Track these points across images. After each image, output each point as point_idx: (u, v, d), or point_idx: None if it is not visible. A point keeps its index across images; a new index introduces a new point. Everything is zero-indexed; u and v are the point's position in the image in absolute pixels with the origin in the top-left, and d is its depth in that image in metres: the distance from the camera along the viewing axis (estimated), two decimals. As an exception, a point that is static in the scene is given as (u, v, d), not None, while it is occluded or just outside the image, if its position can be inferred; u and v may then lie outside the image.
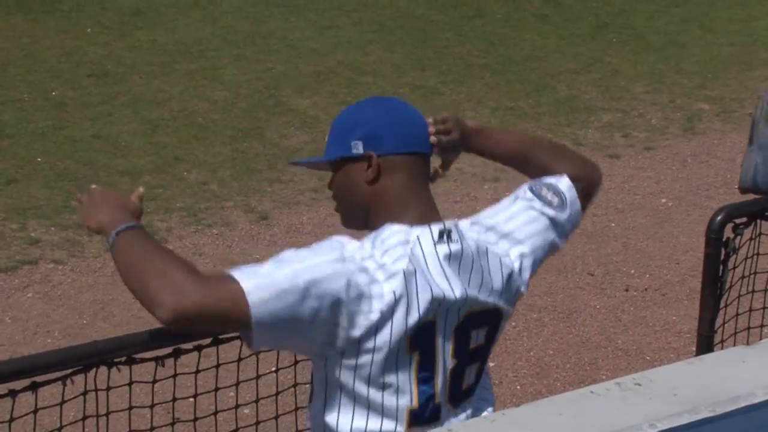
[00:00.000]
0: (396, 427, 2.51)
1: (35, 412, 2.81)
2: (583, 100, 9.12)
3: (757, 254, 3.68)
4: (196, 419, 3.14)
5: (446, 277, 2.48)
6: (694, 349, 3.72)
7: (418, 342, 2.47)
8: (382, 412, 2.51)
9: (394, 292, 2.41)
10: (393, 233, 2.48)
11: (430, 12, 11.09)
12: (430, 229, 2.48)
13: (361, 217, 2.59)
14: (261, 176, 7.42)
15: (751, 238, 3.60)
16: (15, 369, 2.76)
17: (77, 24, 10.35)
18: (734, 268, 3.60)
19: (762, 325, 3.79)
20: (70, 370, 2.75)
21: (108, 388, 2.86)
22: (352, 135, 2.55)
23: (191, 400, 3.15)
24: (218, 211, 7.02)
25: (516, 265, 2.65)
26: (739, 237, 3.54)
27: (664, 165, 7.98)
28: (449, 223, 2.51)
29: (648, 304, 6.15)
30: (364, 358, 2.46)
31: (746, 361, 1.96)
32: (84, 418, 2.93)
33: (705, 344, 3.58)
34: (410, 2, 11.32)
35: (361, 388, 2.49)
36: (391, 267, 2.43)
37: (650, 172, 7.87)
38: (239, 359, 2.99)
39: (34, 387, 2.69)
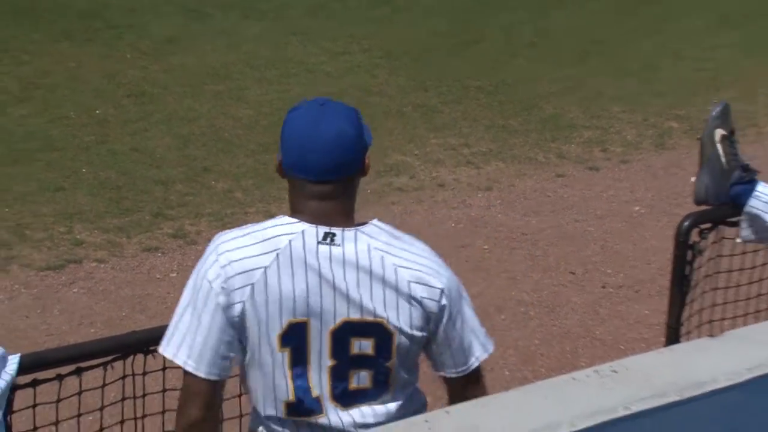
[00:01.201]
0: (277, 413, 2.48)
1: (79, 394, 2.82)
2: (566, 118, 9.12)
3: (719, 256, 3.67)
4: (222, 399, 3.14)
5: (320, 278, 2.39)
6: (664, 339, 3.71)
7: (290, 339, 2.41)
8: (265, 401, 2.49)
9: (256, 288, 2.38)
10: (278, 225, 2.43)
11: (432, 39, 11.09)
12: (317, 229, 2.41)
13: None
14: (280, 185, 7.25)
15: (714, 242, 3.60)
16: (63, 356, 2.78)
17: (117, 50, 10.38)
18: (699, 268, 3.59)
19: (723, 319, 3.78)
20: (110, 357, 2.77)
21: (144, 373, 2.86)
22: (281, 134, 2.51)
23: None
24: (242, 216, 7.02)
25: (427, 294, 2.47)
26: (704, 241, 3.54)
27: (638, 176, 7.98)
28: (337, 229, 2.41)
29: (623, 299, 6.15)
30: (247, 354, 2.46)
31: (710, 350, 1.95)
32: (123, 399, 2.94)
33: (673, 335, 3.58)
34: (414, 31, 11.32)
35: (248, 380, 2.51)
36: (254, 263, 2.38)
37: (626, 182, 7.87)
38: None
39: (78, 372, 2.70)
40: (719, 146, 3.47)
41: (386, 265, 2.42)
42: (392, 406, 2.53)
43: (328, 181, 2.44)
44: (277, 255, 2.38)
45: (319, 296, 2.39)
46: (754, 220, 3.43)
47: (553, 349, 5.61)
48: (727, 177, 3.46)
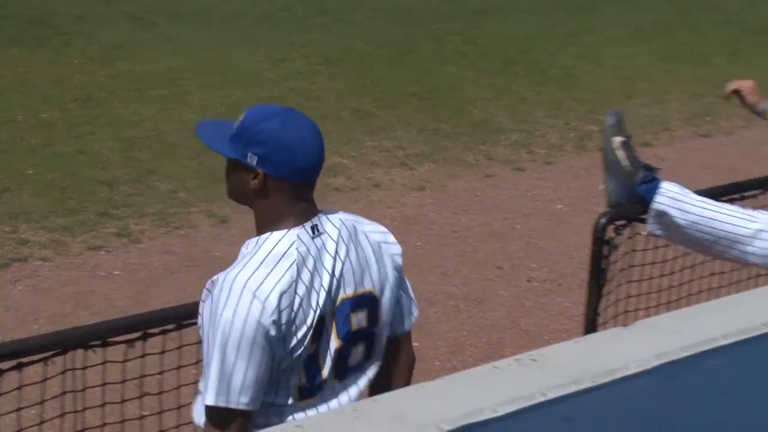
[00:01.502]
0: (288, 401, 2.45)
1: (20, 388, 2.76)
2: (494, 122, 9.16)
3: (634, 251, 3.71)
4: (162, 392, 3.10)
5: (324, 269, 2.41)
6: (583, 330, 3.74)
7: (317, 335, 2.41)
8: (276, 391, 2.44)
9: (296, 304, 2.37)
10: (278, 241, 2.40)
11: (368, 48, 11.08)
12: (304, 228, 2.41)
13: (246, 203, 2.52)
14: (222, 186, 7.30)
15: (628, 238, 3.64)
16: (4, 351, 2.72)
17: (66, 56, 10.22)
18: (615, 262, 3.63)
19: (637, 309, 3.83)
20: (51, 353, 2.71)
21: (84, 368, 2.81)
22: (251, 146, 2.41)
23: (158, 376, 3.10)
24: (185, 216, 6.95)
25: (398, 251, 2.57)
26: (618, 237, 3.58)
27: (561, 176, 8.04)
28: (315, 219, 2.43)
29: (546, 292, 6.19)
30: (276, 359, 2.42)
31: (622, 339, 1.96)
32: (63, 393, 2.88)
33: (591, 326, 3.62)
34: (351, 39, 11.31)
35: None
36: (285, 283, 2.35)
37: (549, 182, 7.93)
38: (200, 341, 2.95)
39: (19, 366, 2.64)
40: (618, 152, 3.50)
41: (359, 233, 2.50)
42: (372, 371, 2.58)
43: (315, 180, 2.49)
44: (297, 266, 2.37)
45: (327, 285, 2.41)
46: (662, 216, 3.46)
47: (481, 340, 5.62)
48: (632, 178, 3.49)
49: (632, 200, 3.52)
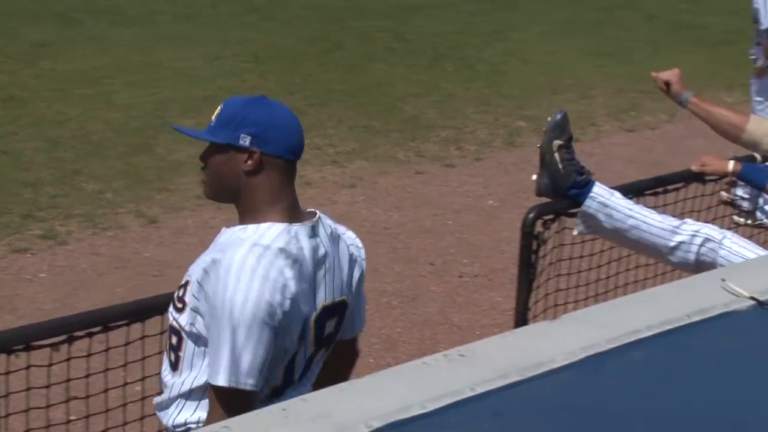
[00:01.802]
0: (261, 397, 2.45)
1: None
2: (424, 119, 9.19)
3: (562, 245, 3.75)
4: (88, 396, 3.05)
5: (315, 272, 2.43)
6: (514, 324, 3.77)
7: (304, 336, 2.44)
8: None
9: (297, 297, 2.39)
10: (278, 234, 2.41)
11: (297, 45, 11.05)
12: (303, 226, 2.43)
13: (228, 197, 2.53)
14: (150, 186, 7.27)
15: (556, 232, 3.68)
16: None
17: (-13, 55, 10.02)
18: (544, 256, 3.66)
19: (566, 303, 3.86)
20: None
21: (8, 372, 2.75)
22: (242, 128, 2.45)
23: (85, 380, 3.05)
24: (113, 217, 6.86)
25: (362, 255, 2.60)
26: (547, 231, 3.61)
27: (491, 172, 8.09)
28: (315, 219, 2.47)
29: (478, 287, 6.22)
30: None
31: (549, 333, 1.98)
32: (-14, 399, 2.82)
33: (521, 320, 3.65)
34: (280, 38, 11.27)
35: None
36: (291, 273, 2.37)
37: (480, 178, 7.97)
38: (126, 343, 2.91)
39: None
40: (557, 155, 3.55)
41: (340, 240, 2.53)
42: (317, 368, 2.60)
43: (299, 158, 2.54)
44: (292, 262, 2.38)
45: (314, 289, 2.43)
46: (590, 218, 3.52)
47: (414, 336, 5.64)
48: (565, 181, 3.54)
49: (559, 196, 3.57)
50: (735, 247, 3.48)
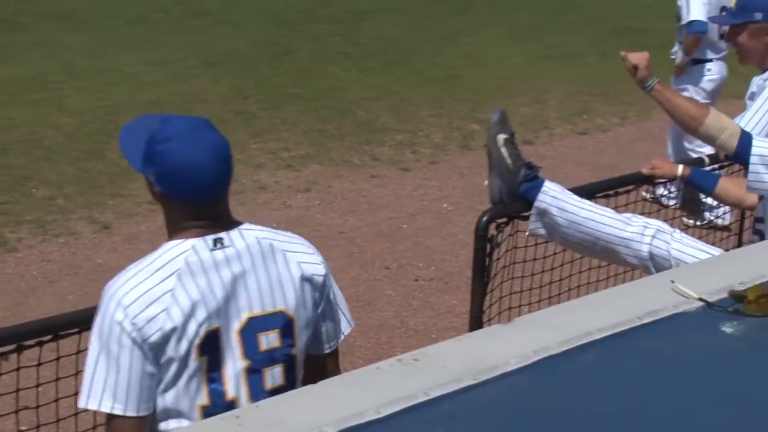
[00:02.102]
0: (190, 419, 2.40)
1: None
2: (379, 123, 9.20)
3: (515, 248, 3.76)
4: (38, 406, 3.01)
5: (221, 283, 2.37)
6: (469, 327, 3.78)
7: (206, 348, 2.36)
8: (179, 411, 2.40)
9: (172, 312, 2.33)
10: (167, 250, 2.39)
11: (250, 49, 11.02)
12: (205, 239, 2.38)
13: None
14: (103, 191, 7.20)
15: (510, 235, 3.69)
16: None
17: (-68, 61, 9.89)
18: (497, 259, 3.67)
19: (520, 305, 3.88)
20: None
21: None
22: (150, 164, 2.42)
23: (35, 389, 3.01)
24: (64, 223, 6.79)
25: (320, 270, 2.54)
26: (500, 234, 3.63)
27: (446, 176, 8.12)
28: (223, 233, 2.40)
29: (434, 291, 6.24)
30: (163, 372, 2.37)
31: (502, 336, 1.99)
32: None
33: (476, 323, 3.65)
34: (232, 42, 11.23)
35: (162, 396, 2.40)
36: (158, 292, 2.33)
37: (435, 182, 8.00)
38: (78, 352, 2.87)
39: None
40: (503, 149, 3.56)
41: (276, 251, 2.45)
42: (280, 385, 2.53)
43: (214, 198, 2.43)
44: (179, 275, 2.34)
45: (224, 300, 2.37)
46: (544, 213, 3.53)
47: (371, 341, 5.63)
48: (515, 175, 3.55)
49: (514, 197, 3.58)
50: (685, 239, 3.53)
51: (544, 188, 3.52)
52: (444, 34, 12.12)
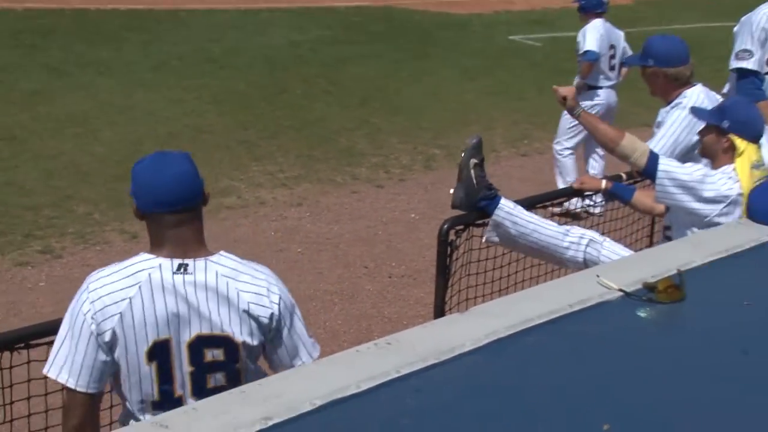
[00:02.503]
0: (144, 415, 2.38)
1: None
2: (357, 149, 9.19)
3: (471, 250, 3.77)
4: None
5: (176, 302, 2.31)
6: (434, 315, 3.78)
7: (155, 355, 2.33)
8: (133, 402, 2.39)
9: (125, 316, 2.30)
10: (139, 261, 2.37)
11: (249, 89, 10.98)
12: (172, 261, 2.34)
13: None
14: (131, 208, 7.15)
15: (467, 239, 3.69)
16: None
17: (-9, 101, 9.80)
18: (456, 259, 3.68)
19: (476, 297, 3.87)
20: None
21: (11, 367, 2.68)
22: (131, 183, 2.44)
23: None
24: (100, 234, 6.74)
25: (265, 303, 2.41)
26: (458, 239, 3.63)
27: (413, 191, 8.12)
28: (190, 260, 2.34)
29: (405, 286, 6.23)
30: (119, 365, 2.35)
31: (459, 323, 1.99)
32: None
33: (439, 312, 3.65)
34: (235, 82, 11.19)
35: (121, 387, 2.40)
36: (119, 296, 2.31)
37: (404, 196, 7.99)
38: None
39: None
40: (472, 171, 3.58)
41: (230, 289, 2.36)
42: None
43: (181, 210, 2.38)
44: (140, 287, 2.31)
45: (177, 317, 2.32)
46: (499, 226, 3.55)
47: (353, 327, 5.62)
48: (477, 193, 3.57)
49: (471, 209, 3.59)
50: (612, 247, 3.56)
51: (500, 205, 3.54)
52: (409, 75, 12.12)
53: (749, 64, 4.67)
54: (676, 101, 4.19)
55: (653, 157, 3.56)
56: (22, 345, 2.64)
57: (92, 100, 10.06)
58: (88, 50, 12.27)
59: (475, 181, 3.56)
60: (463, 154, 3.58)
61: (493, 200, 3.56)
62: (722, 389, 1.77)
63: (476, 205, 3.56)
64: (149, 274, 2.32)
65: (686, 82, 4.20)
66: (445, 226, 3.63)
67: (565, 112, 7.81)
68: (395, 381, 1.72)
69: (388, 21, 15.92)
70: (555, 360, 1.87)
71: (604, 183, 4.01)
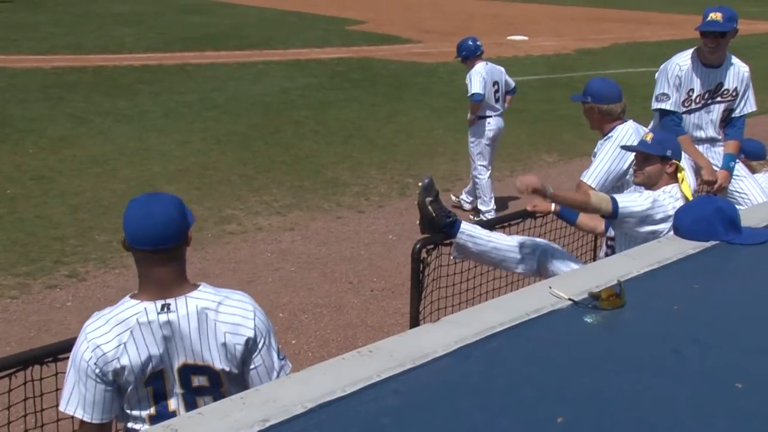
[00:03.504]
0: (143, 426, 2.36)
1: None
2: (342, 179, 9.17)
3: (440, 266, 3.76)
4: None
5: (164, 339, 2.28)
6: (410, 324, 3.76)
7: (151, 381, 2.31)
8: (134, 418, 2.36)
9: (122, 359, 2.27)
10: (126, 308, 2.30)
11: (248, 130, 10.96)
12: (155, 303, 2.29)
13: None
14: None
15: (437, 257, 3.69)
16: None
17: (23, 147, 9.68)
18: (428, 275, 3.67)
19: (446, 307, 3.86)
20: (13, 369, 2.53)
21: (41, 378, 2.62)
22: (124, 218, 2.35)
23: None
24: (119, 258, 6.65)
25: (238, 339, 2.33)
26: (430, 256, 3.63)
27: (390, 215, 8.10)
28: (171, 299, 2.29)
29: (385, 298, 6.20)
30: (122, 389, 2.33)
31: (432, 332, 1.98)
32: (25, 399, 2.68)
33: (414, 321, 3.63)
34: (235, 125, 11.16)
35: (124, 405, 2.36)
36: (115, 343, 2.27)
37: (383, 220, 7.98)
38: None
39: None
40: (429, 207, 3.59)
41: (209, 321, 2.30)
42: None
43: (160, 250, 2.29)
44: (131, 332, 2.27)
45: (166, 350, 2.28)
46: (462, 246, 3.56)
47: (340, 336, 5.58)
48: (439, 224, 3.57)
49: (436, 232, 3.60)
50: (558, 254, 3.58)
51: (461, 229, 3.55)
52: (386, 115, 12.15)
53: (668, 105, 4.74)
54: (608, 134, 4.22)
55: (614, 203, 3.55)
56: (51, 359, 2.58)
57: (111, 144, 10.00)
58: (107, 101, 12.23)
59: (434, 215, 3.59)
60: (419, 195, 3.60)
61: (454, 225, 3.57)
62: (658, 382, 1.77)
63: (441, 229, 3.58)
64: (137, 320, 2.27)
65: (617, 118, 4.23)
66: (418, 246, 3.62)
67: (470, 141, 8.30)
68: (376, 384, 1.70)
69: (367, 70, 15.99)
70: (515, 361, 1.86)
71: (553, 206, 4.01)
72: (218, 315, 2.33)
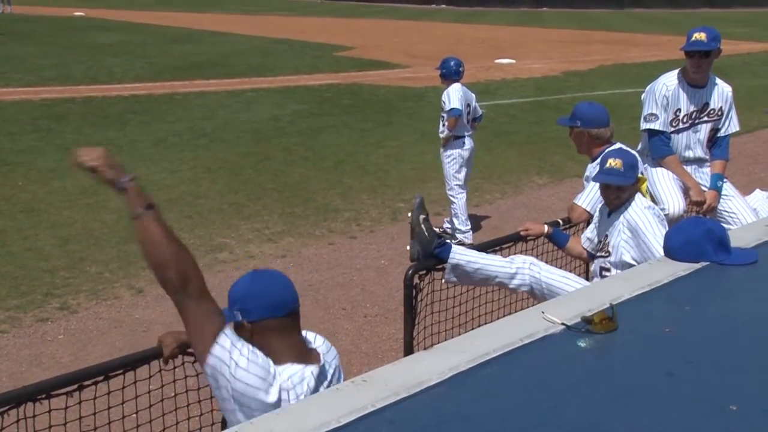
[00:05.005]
0: None
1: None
2: (333, 205, 9.19)
3: (434, 291, 3.76)
4: (96, 428, 2.90)
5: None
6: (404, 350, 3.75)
7: None
8: None
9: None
10: (294, 372, 2.24)
11: (238, 158, 10.97)
12: (314, 366, 2.29)
13: None
14: (137, 266, 7.03)
15: (429, 282, 3.69)
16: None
17: (12, 180, 9.67)
18: (421, 300, 3.67)
19: (440, 332, 3.86)
20: (6, 407, 2.50)
21: (34, 416, 2.60)
22: (234, 305, 2.31)
23: (93, 416, 2.90)
24: (110, 290, 6.63)
25: None
26: (422, 282, 3.63)
27: (382, 240, 8.11)
28: (321, 358, 2.34)
29: (378, 324, 6.18)
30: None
31: (426, 359, 1.98)
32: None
33: (408, 347, 3.63)
34: (225, 153, 11.18)
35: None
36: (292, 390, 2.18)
37: (374, 245, 7.98)
38: (123, 387, 2.75)
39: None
40: (423, 225, 3.61)
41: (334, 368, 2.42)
42: None
43: (296, 313, 2.35)
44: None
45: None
46: (456, 267, 3.57)
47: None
48: (431, 243, 3.58)
49: (428, 257, 3.61)
50: (549, 269, 3.62)
51: (453, 250, 3.57)
52: (376, 140, 12.20)
53: (656, 126, 4.78)
54: (598, 158, 4.25)
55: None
56: (44, 395, 2.56)
57: (101, 174, 9.99)
58: (97, 131, 12.24)
59: (427, 234, 3.61)
60: (411, 215, 3.62)
61: (445, 246, 3.59)
62: (652, 405, 1.77)
63: (432, 253, 3.59)
64: (308, 385, 2.21)
65: (606, 141, 4.28)
66: (410, 272, 3.63)
67: (445, 161, 8.38)
68: (371, 414, 1.70)
69: (356, 95, 16.08)
70: (509, 387, 1.86)
71: (546, 228, 4.04)
72: (325, 355, 2.40)
